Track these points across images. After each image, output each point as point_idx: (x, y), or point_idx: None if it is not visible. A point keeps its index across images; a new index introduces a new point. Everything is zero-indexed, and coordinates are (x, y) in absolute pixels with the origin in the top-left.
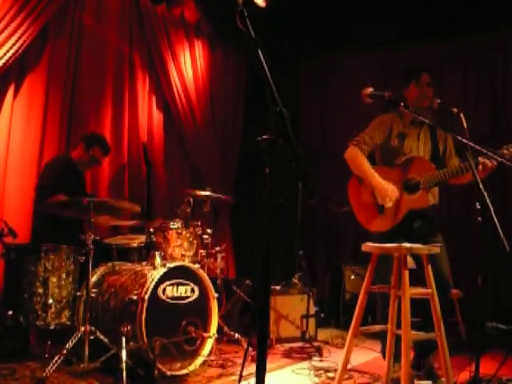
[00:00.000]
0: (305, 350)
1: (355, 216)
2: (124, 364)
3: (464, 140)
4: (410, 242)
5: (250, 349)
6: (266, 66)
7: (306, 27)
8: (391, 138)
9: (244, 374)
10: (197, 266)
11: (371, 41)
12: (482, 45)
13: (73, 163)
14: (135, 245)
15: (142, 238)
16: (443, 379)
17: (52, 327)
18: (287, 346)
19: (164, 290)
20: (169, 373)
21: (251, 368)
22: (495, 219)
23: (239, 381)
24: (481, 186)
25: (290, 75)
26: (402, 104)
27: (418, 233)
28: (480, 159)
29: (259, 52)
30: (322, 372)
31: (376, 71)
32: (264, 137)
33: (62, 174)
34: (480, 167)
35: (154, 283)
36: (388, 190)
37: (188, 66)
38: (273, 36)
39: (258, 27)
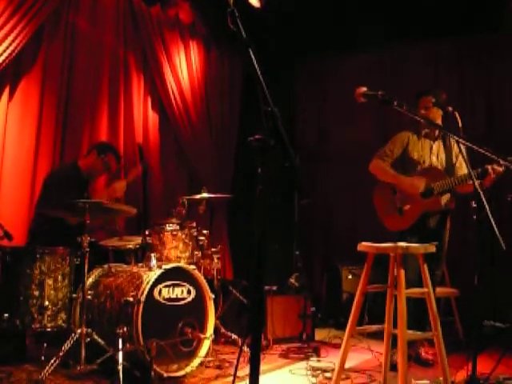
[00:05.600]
0: (302, 350)
1: (380, 219)
2: (120, 366)
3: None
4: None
5: (247, 349)
6: (257, 66)
7: (304, 26)
8: (407, 152)
9: (242, 374)
10: (192, 267)
11: (369, 40)
12: (480, 45)
13: (78, 172)
14: (131, 246)
15: (138, 240)
16: (441, 378)
17: (48, 330)
18: (284, 346)
19: (160, 291)
20: (165, 374)
21: (248, 369)
22: (491, 218)
23: (233, 382)
24: (476, 185)
25: (287, 74)
26: (395, 103)
27: (430, 231)
28: (488, 167)
29: (250, 52)
30: (319, 372)
31: (374, 70)
32: (255, 137)
33: (65, 186)
34: (492, 174)
35: (149, 285)
36: (415, 181)
37: (183, 67)
38: (270, 34)
39: (255, 25)
